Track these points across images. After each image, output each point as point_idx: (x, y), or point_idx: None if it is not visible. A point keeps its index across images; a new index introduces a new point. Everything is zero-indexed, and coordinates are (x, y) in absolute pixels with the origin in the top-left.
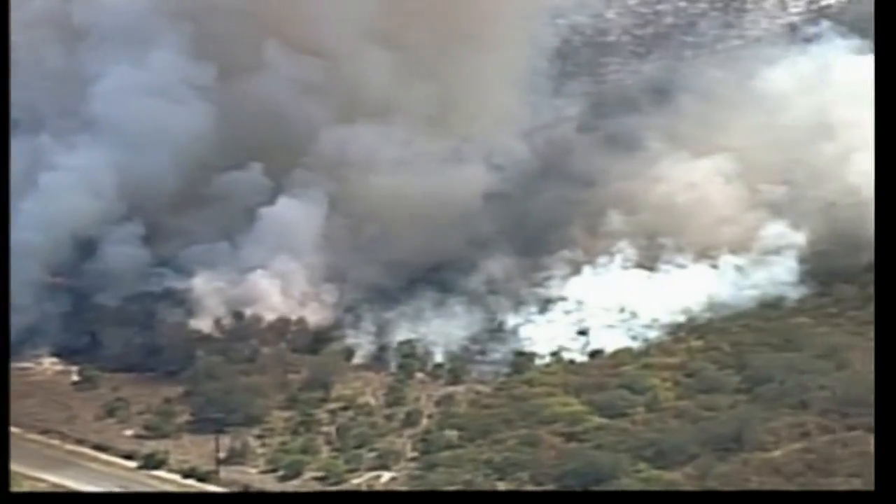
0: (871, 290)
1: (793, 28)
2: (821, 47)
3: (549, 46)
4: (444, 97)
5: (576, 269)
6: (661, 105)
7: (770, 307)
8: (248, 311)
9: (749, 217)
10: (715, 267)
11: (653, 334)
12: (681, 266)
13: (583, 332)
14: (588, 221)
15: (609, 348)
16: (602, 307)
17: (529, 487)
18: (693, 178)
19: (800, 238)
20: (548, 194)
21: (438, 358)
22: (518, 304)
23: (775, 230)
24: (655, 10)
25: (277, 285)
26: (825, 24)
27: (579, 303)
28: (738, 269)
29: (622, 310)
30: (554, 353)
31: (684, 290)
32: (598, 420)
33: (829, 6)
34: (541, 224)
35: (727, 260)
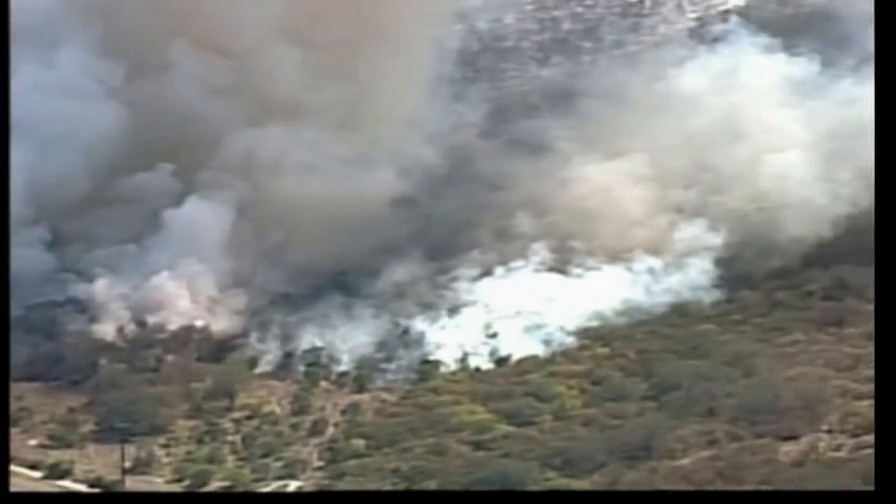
0: (777, 296)
1: (695, 30)
2: (730, 47)
3: (453, 50)
4: (352, 99)
5: (485, 273)
6: (566, 109)
7: (676, 314)
8: (153, 319)
9: (660, 221)
10: (630, 270)
11: (563, 340)
12: (593, 269)
13: (492, 336)
14: (498, 225)
15: (517, 355)
16: (511, 312)
17: None
18: (603, 181)
19: (712, 241)
20: (456, 199)
21: (344, 366)
22: (426, 309)
23: (687, 233)
24: (553, 16)
25: (183, 290)
26: (733, 21)
27: (488, 307)
28: (651, 272)
29: (530, 314)
30: (461, 360)
31: (595, 294)
32: (505, 428)
33: (727, 11)
34: (450, 228)
35: (639, 264)
